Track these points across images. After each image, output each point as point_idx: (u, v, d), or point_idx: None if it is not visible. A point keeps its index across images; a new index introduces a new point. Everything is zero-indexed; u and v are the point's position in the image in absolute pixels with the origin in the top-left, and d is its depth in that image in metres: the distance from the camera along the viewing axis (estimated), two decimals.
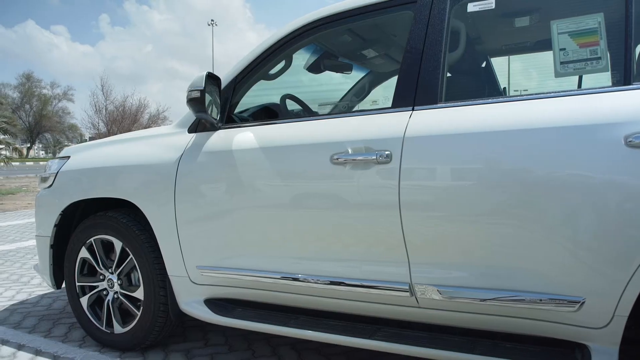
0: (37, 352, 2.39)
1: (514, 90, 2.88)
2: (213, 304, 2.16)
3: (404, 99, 1.79)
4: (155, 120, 28.28)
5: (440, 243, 1.66)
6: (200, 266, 2.12)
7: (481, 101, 1.70)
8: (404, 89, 1.81)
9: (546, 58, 2.33)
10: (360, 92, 2.95)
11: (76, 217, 2.63)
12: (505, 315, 1.61)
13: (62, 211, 2.51)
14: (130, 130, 21.36)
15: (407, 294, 1.71)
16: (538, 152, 1.50)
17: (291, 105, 2.54)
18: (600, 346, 1.50)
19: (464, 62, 2.22)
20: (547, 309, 1.52)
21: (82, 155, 2.59)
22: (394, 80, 2.82)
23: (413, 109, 1.76)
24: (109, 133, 24.59)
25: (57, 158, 2.72)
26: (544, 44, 2.28)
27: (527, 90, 2.95)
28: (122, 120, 26.19)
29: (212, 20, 47.20)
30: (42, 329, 2.72)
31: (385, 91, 2.94)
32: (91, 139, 27.77)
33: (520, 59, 2.89)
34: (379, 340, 1.76)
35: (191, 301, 2.19)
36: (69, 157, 2.63)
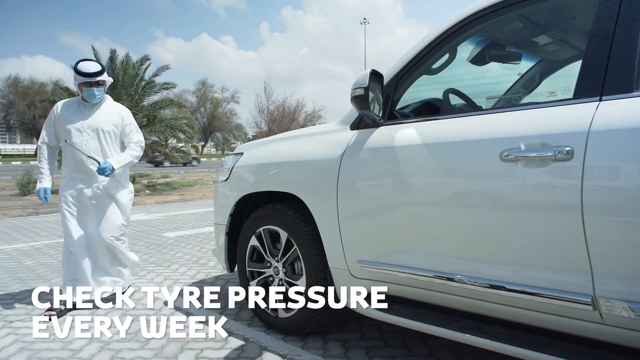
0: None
1: None
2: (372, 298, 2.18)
3: (589, 89, 1.58)
4: (311, 119, 29.69)
5: (634, 253, 1.44)
6: (360, 260, 2.15)
7: None
8: (588, 77, 1.60)
9: None
10: (529, 83, 2.71)
11: (248, 208, 2.88)
12: None
13: (236, 202, 2.77)
14: (288, 129, 22.80)
15: (590, 307, 1.52)
16: None
17: (453, 100, 2.44)
18: None
19: None
20: None
21: (253, 152, 2.83)
22: (569, 69, 2.55)
23: (600, 99, 1.54)
24: (270, 132, 26.54)
25: (232, 154, 3.00)
26: None
27: None
28: (281, 119, 28.04)
29: (364, 18, 48.06)
30: (217, 306, 3.04)
31: (560, 81, 2.66)
32: (254, 137, 30.27)
33: None
34: (552, 355, 1.59)
35: (350, 294, 2.24)
36: (242, 153, 2.89)
